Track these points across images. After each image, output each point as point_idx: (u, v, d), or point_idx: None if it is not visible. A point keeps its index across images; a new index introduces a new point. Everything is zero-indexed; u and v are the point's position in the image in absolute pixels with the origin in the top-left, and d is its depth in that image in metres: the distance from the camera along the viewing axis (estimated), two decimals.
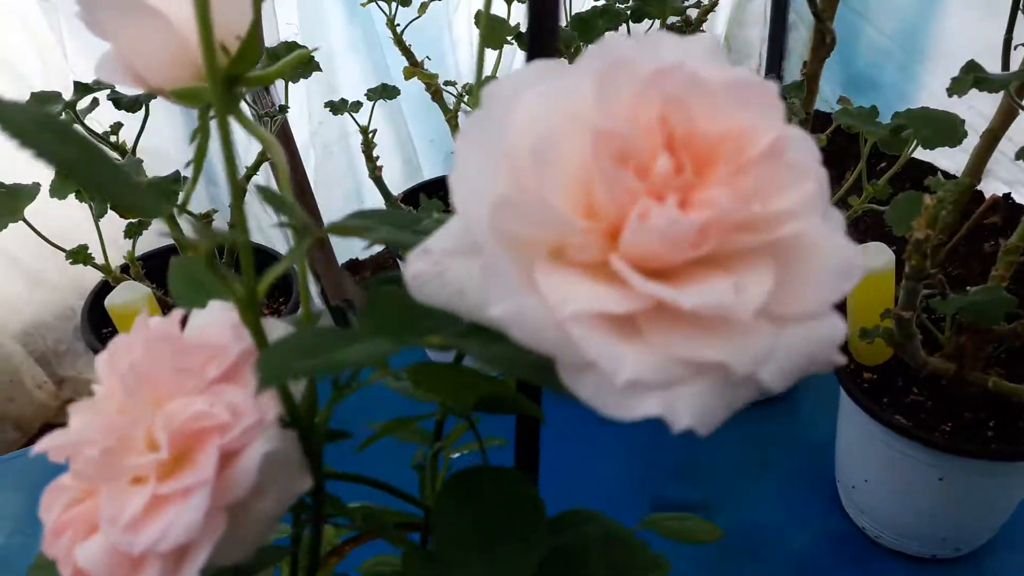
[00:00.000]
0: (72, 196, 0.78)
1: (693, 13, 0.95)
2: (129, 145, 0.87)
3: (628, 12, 0.88)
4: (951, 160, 1.53)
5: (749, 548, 0.84)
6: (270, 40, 1.29)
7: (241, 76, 0.34)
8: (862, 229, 1.25)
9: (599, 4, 0.89)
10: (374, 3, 0.94)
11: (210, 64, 0.26)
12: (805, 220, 0.24)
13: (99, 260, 0.92)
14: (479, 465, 0.34)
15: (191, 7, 0.32)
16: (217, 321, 0.30)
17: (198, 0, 0.25)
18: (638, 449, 0.94)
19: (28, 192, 0.75)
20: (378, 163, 1.02)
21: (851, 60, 1.80)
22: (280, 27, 1.37)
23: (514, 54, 1.39)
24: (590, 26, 0.87)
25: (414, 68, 1.00)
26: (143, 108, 0.81)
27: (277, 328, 0.30)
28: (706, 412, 0.23)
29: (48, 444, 0.28)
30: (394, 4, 0.93)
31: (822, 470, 0.89)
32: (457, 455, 0.44)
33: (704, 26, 0.96)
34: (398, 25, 0.96)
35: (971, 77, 0.71)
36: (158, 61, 0.33)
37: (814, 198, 0.25)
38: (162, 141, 1.23)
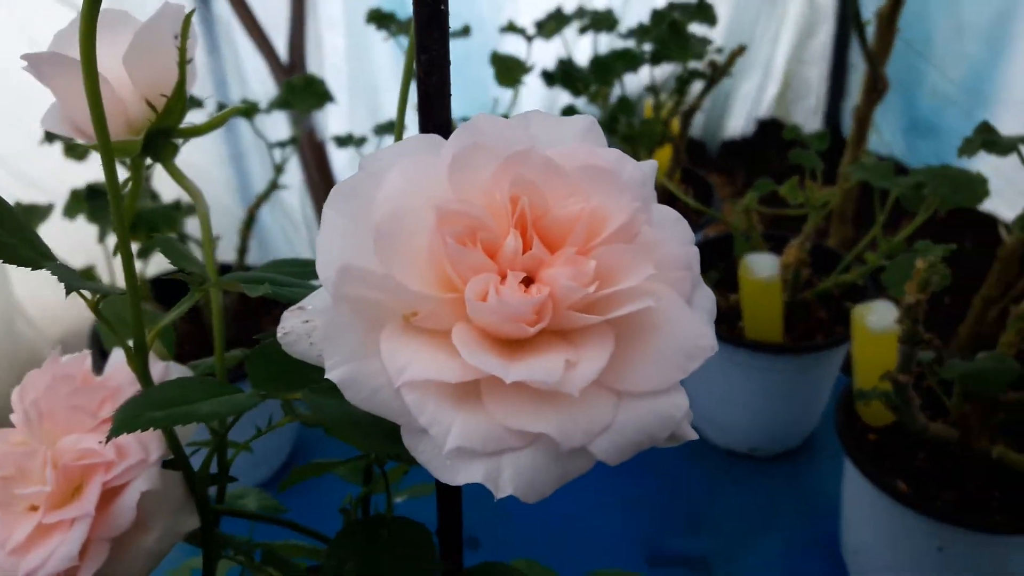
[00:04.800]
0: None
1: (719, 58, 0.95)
2: None
3: (648, 55, 0.88)
4: (1014, 209, 1.48)
5: None
6: (315, 66, 1.33)
7: (171, 129, 0.36)
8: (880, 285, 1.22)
9: (619, 48, 0.90)
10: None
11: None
12: (647, 301, 0.25)
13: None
14: (382, 513, 0.35)
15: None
16: (121, 363, 0.32)
17: (86, 70, 0.27)
18: (642, 501, 0.93)
19: (42, 211, 0.80)
20: None
21: (914, 104, 1.76)
22: (325, 52, 1.41)
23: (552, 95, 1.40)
24: (609, 69, 0.88)
25: None
26: None
27: (174, 374, 0.32)
28: (533, 481, 0.24)
29: None
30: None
31: (827, 532, 0.87)
32: (400, 500, 0.45)
33: (732, 70, 0.96)
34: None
35: (980, 139, 0.70)
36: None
37: (680, 280, 0.26)
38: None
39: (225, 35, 1.41)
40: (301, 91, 0.82)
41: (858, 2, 1.08)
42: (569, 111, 0.90)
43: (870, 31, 1.08)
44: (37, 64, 0.35)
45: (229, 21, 1.37)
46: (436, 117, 0.30)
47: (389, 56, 1.52)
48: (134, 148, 0.35)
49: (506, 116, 0.86)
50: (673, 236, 0.28)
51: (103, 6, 0.30)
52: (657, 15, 0.92)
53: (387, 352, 0.25)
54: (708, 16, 0.92)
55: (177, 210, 0.76)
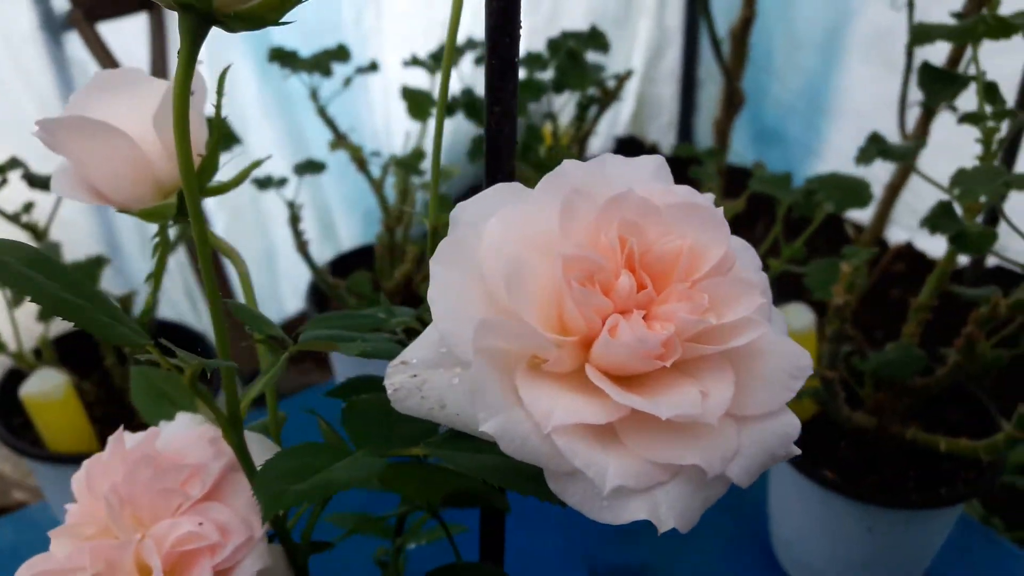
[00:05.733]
0: None
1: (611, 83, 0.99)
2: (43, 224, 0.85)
3: (550, 84, 0.91)
4: (858, 212, 1.62)
5: None
6: None
7: (200, 188, 0.35)
8: (780, 289, 1.30)
9: (521, 78, 0.92)
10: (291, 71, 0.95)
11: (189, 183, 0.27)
12: (759, 330, 0.27)
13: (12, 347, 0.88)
14: (453, 563, 0.35)
15: (151, 127, 0.33)
16: (190, 436, 0.31)
17: (177, 127, 0.26)
18: (575, 515, 0.95)
19: None
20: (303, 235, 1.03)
21: (760, 115, 1.89)
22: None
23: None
24: None
25: (340, 141, 1.01)
26: None
27: (254, 441, 0.31)
28: (686, 512, 0.25)
29: (30, 572, 0.28)
30: (316, 75, 0.94)
31: (758, 527, 0.92)
32: (414, 546, 0.45)
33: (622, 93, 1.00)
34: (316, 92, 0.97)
35: (875, 147, 0.76)
36: (120, 179, 0.34)
37: (763, 308, 0.28)
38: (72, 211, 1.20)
39: (81, 77, 1.34)
40: None
41: (714, 23, 1.15)
42: (477, 142, 0.91)
43: (724, 49, 1.15)
44: (53, 129, 0.33)
45: (85, 62, 1.30)
46: (505, 165, 0.31)
47: (254, 93, 1.49)
48: (170, 211, 0.33)
49: (418, 149, 0.86)
50: (749, 264, 0.30)
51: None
52: (553, 44, 0.95)
53: (529, 400, 0.25)
54: (601, 43, 0.96)
55: (98, 266, 0.72)
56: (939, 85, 0.80)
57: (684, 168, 1.05)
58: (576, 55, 0.92)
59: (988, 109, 0.72)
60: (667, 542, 0.92)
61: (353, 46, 1.50)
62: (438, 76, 0.92)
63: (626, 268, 0.27)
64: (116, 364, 0.84)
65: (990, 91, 0.75)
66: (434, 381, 0.28)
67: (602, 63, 0.99)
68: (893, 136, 0.87)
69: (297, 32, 1.42)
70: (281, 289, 1.62)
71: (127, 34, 1.28)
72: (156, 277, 0.35)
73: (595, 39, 0.96)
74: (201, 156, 0.33)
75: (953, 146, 0.82)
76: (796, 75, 1.87)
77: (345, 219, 1.64)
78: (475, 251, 0.27)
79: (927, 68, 0.82)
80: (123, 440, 0.30)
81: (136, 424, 0.83)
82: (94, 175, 0.34)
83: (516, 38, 0.29)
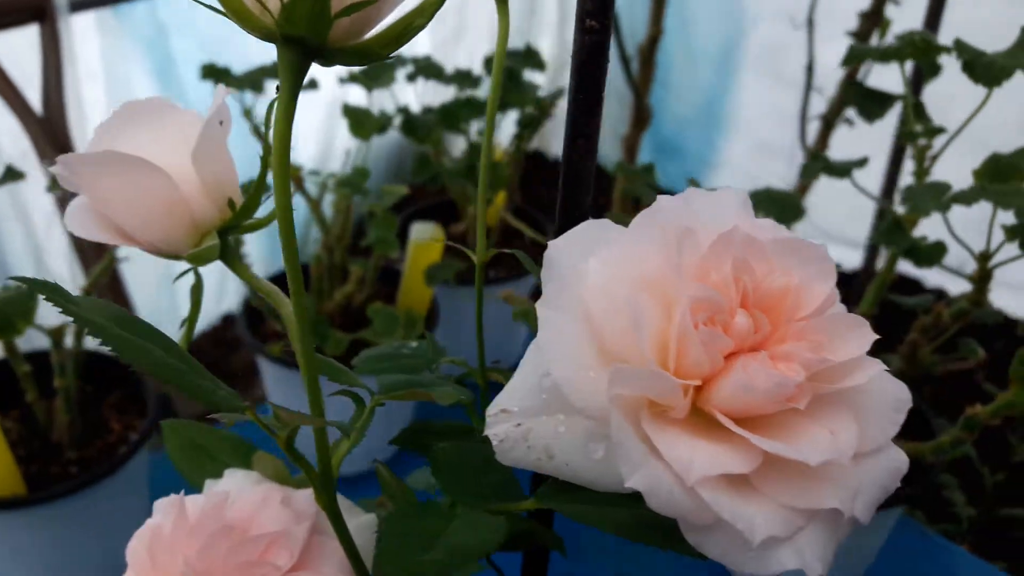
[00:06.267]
0: None
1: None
2: None
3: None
4: None
5: None
6: (76, 120, 1.21)
7: (236, 226, 0.32)
8: None
9: (463, 95, 0.91)
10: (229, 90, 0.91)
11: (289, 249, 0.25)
12: (874, 367, 0.26)
13: None
14: None
15: (185, 162, 0.31)
16: (255, 498, 0.28)
17: (278, 173, 0.24)
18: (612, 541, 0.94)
19: None
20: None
21: (658, 129, 1.93)
22: (85, 105, 1.28)
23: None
24: (455, 116, 0.89)
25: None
26: None
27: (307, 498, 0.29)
28: (825, 556, 0.25)
29: None
30: (248, 94, 0.90)
31: None
32: None
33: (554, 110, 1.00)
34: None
35: (819, 165, 0.79)
36: (154, 219, 0.31)
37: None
38: None
39: None
40: None
41: (624, 43, 1.17)
42: (422, 160, 0.89)
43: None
44: (77, 166, 0.30)
45: None
46: (584, 199, 0.30)
47: None
48: (213, 255, 0.31)
49: (361, 168, 0.83)
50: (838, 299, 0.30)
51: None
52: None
53: (665, 450, 0.24)
54: (537, 62, 0.96)
55: (31, 299, 0.66)
56: (871, 103, 0.83)
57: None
58: (515, 74, 0.92)
59: (918, 128, 0.76)
60: (614, 553, 0.92)
61: (257, 59, 1.46)
62: (376, 93, 0.90)
63: (740, 307, 0.27)
64: (39, 399, 0.77)
65: (918, 110, 0.79)
66: (539, 430, 0.27)
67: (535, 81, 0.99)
68: (787, 148, 0.90)
69: (199, 45, 1.37)
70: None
71: (16, 46, 1.20)
72: (190, 322, 0.32)
73: (531, 58, 0.95)
74: (230, 197, 0.31)
75: (848, 154, 0.86)
76: (693, 90, 1.93)
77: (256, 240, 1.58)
78: (579, 293, 0.26)
79: (859, 87, 0.85)
80: (184, 507, 0.27)
81: (63, 462, 0.78)
82: (122, 214, 0.31)
83: (604, 73, 0.28)
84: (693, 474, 0.24)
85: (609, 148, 2.06)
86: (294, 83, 0.23)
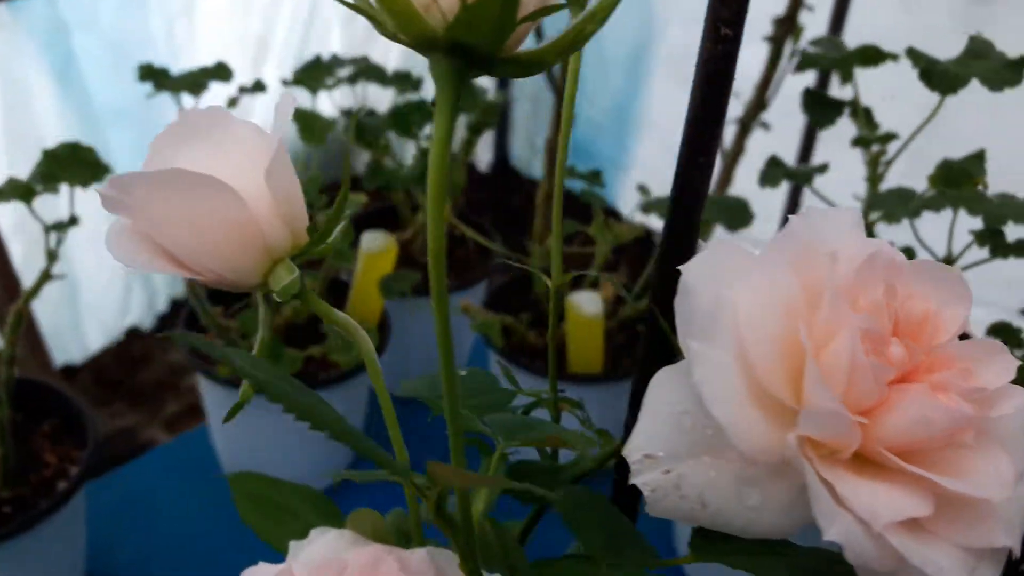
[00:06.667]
0: None
1: None
2: None
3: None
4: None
5: None
6: None
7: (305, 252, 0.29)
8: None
9: (414, 98, 0.88)
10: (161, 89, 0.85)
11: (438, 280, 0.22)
12: (1019, 396, 0.26)
13: None
14: None
15: (255, 182, 0.27)
16: (365, 562, 0.25)
17: (433, 196, 0.21)
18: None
19: None
20: None
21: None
22: None
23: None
24: (407, 120, 0.86)
25: None
26: None
27: (439, 556, 0.26)
28: None
29: None
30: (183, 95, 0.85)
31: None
32: None
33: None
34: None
35: (780, 171, 0.79)
36: (220, 246, 0.27)
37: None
38: None
39: None
40: (68, 162, 0.68)
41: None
42: (376, 165, 0.85)
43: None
44: (130, 186, 0.26)
45: None
46: (695, 219, 0.28)
47: (51, 107, 1.32)
48: (295, 288, 0.27)
49: (314, 175, 0.79)
50: None
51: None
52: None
53: (847, 496, 0.23)
54: None
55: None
56: (823, 109, 0.84)
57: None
58: None
59: (869, 132, 0.78)
60: None
61: (164, 58, 1.38)
62: (320, 96, 0.86)
63: (895, 335, 0.25)
64: None
65: (867, 116, 0.81)
66: (691, 477, 0.25)
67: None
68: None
69: (103, 43, 1.28)
70: (85, 324, 1.44)
71: None
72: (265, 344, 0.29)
73: None
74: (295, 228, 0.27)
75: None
76: (605, 95, 1.94)
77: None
78: (729, 324, 0.24)
79: (812, 94, 0.86)
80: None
81: (16, 503, 0.70)
82: (183, 240, 0.27)
83: (731, 85, 0.26)
84: (880, 520, 0.22)
85: (519, 150, 2.06)
86: (454, 97, 0.20)
